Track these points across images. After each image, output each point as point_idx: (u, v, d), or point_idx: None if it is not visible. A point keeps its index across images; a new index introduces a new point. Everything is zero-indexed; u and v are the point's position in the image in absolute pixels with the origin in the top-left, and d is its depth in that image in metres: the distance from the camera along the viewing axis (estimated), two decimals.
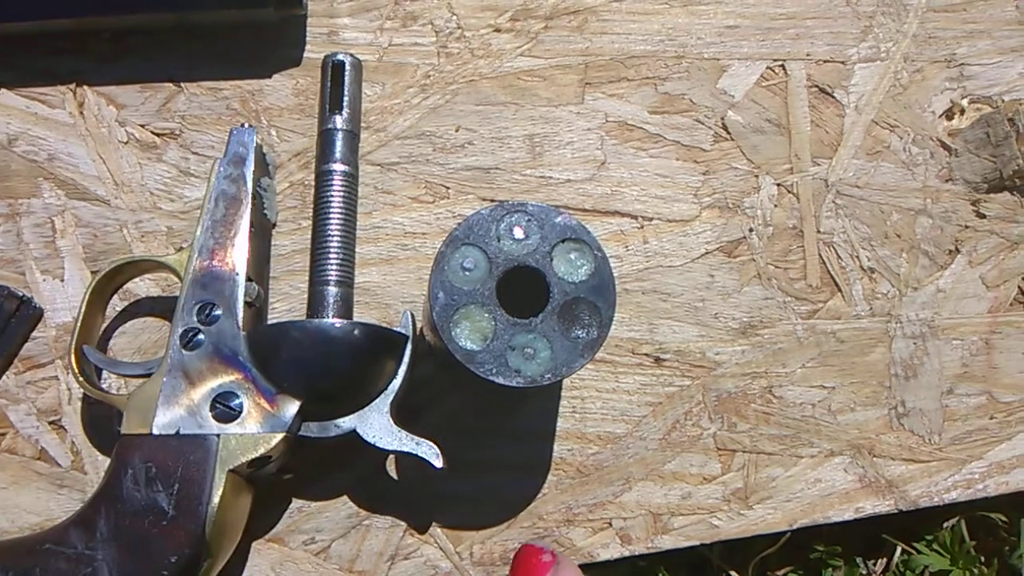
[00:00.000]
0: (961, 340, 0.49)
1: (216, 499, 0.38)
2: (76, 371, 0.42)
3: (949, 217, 0.51)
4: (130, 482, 0.38)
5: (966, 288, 0.50)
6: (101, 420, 0.45)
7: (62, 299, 0.46)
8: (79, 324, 0.42)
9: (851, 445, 0.47)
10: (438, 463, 0.41)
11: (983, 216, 0.51)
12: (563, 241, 0.39)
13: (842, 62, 0.53)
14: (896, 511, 0.47)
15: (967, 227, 0.51)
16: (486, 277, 0.38)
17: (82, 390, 0.43)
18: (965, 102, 0.53)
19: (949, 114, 0.52)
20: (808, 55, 0.52)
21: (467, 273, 0.38)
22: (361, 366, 0.41)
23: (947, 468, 0.48)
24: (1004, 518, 0.50)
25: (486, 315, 0.38)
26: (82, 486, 0.44)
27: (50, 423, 0.45)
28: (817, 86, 0.52)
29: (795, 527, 0.46)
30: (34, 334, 0.46)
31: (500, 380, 0.37)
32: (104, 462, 0.45)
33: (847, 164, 0.51)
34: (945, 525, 0.50)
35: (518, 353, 0.38)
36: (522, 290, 0.39)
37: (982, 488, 0.48)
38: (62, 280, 0.47)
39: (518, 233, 0.39)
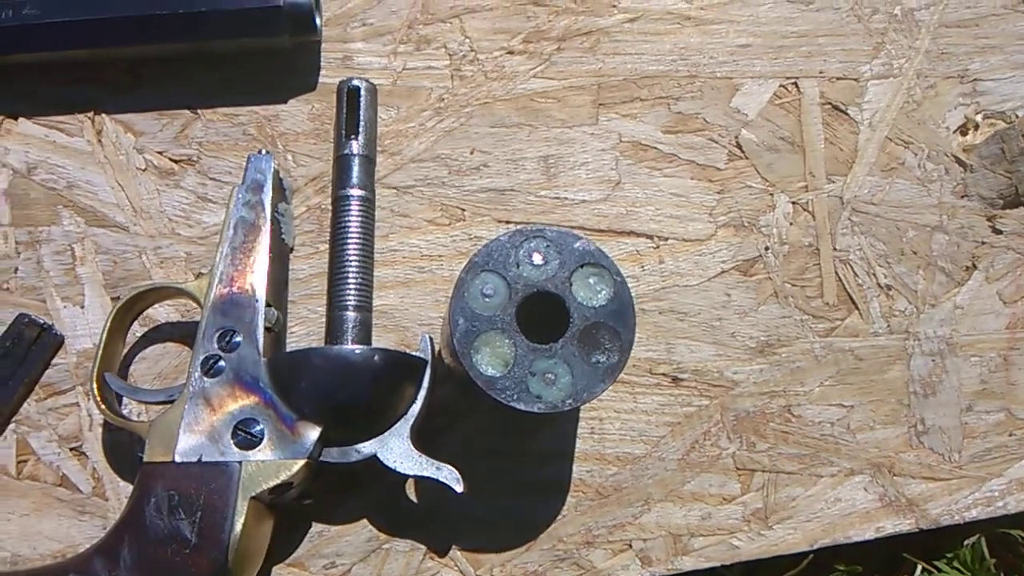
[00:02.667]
0: (979, 357, 0.49)
1: (238, 527, 0.39)
2: (98, 399, 0.42)
3: (965, 233, 0.51)
4: (153, 510, 0.38)
5: (984, 304, 0.50)
6: (122, 446, 0.45)
7: (82, 326, 0.47)
8: (100, 351, 0.43)
9: (871, 464, 0.47)
10: (459, 488, 0.41)
11: (999, 232, 0.51)
12: (582, 266, 0.39)
13: (855, 79, 0.53)
14: (917, 530, 0.47)
15: (983, 243, 0.51)
16: (506, 303, 0.38)
17: (103, 417, 0.43)
18: (979, 117, 0.53)
19: (963, 130, 0.52)
20: (821, 73, 0.53)
21: (487, 299, 0.38)
22: (381, 392, 0.41)
23: (967, 486, 0.48)
24: None
25: (506, 341, 0.38)
26: (104, 512, 0.45)
27: (71, 449, 0.45)
28: (830, 103, 0.52)
29: (816, 547, 0.46)
30: (55, 361, 0.46)
31: (521, 406, 0.37)
32: (126, 488, 0.45)
33: (862, 181, 0.51)
34: (966, 543, 0.50)
35: (539, 379, 0.38)
36: (542, 316, 0.39)
37: (1002, 505, 0.48)
38: (82, 307, 0.47)
39: (537, 259, 0.39)
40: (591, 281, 0.39)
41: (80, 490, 0.45)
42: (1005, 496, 0.47)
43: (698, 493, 0.46)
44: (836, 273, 0.50)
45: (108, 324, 0.43)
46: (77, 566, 0.39)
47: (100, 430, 0.45)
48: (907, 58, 0.53)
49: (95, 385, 0.42)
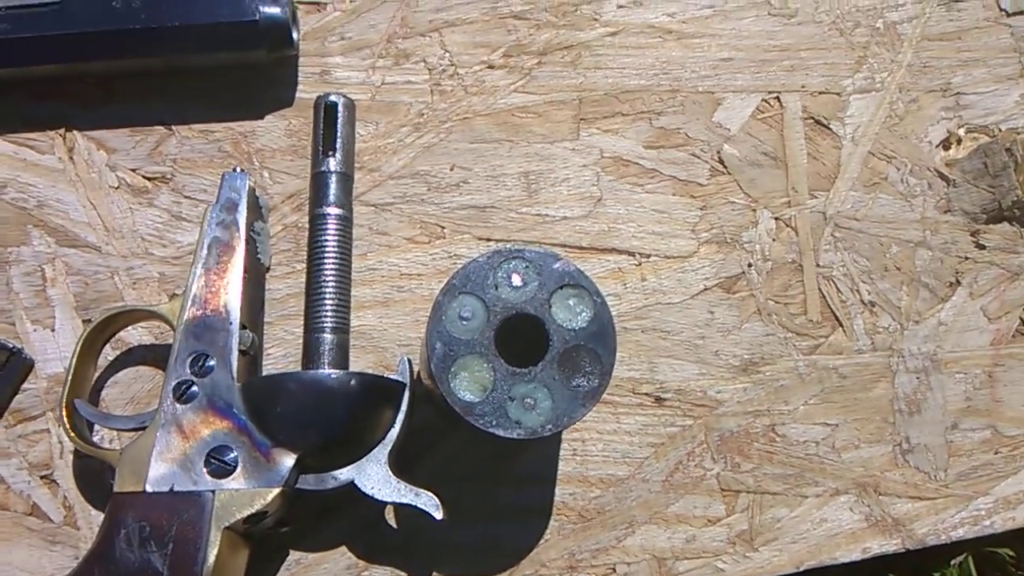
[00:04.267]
0: (964, 374, 0.49)
1: (211, 559, 0.38)
2: (67, 426, 0.41)
3: (949, 248, 0.50)
4: (123, 542, 0.37)
5: (968, 321, 0.50)
6: (94, 474, 0.44)
7: (53, 349, 0.46)
8: (70, 377, 0.42)
9: (856, 483, 0.47)
10: (438, 515, 0.40)
11: (983, 247, 0.51)
12: (562, 287, 0.38)
13: (837, 93, 0.52)
14: (903, 550, 0.46)
15: (967, 258, 0.50)
16: (484, 326, 0.38)
17: (74, 445, 0.42)
18: (962, 132, 0.52)
19: (946, 144, 0.52)
20: (803, 87, 0.52)
21: (465, 323, 0.38)
22: (358, 417, 0.40)
23: (953, 505, 0.47)
24: (1012, 553, 0.50)
25: (485, 365, 0.37)
26: (75, 542, 0.43)
27: (42, 477, 0.44)
28: (813, 118, 0.52)
29: (802, 569, 0.45)
30: (25, 386, 0.45)
31: (500, 432, 0.37)
32: (97, 516, 0.44)
33: (845, 196, 0.51)
34: (952, 562, 0.49)
35: (518, 404, 0.37)
36: (521, 338, 0.38)
37: (989, 524, 0.47)
38: (53, 330, 0.46)
39: (516, 280, 0.38)
40: (571, 303, 0.38)
41: (51, 519, 0.44)
42: (992, 515, 0.47)
43: (682, 515, 0.46)
44: (820, 290, 0.49)
45: (79, 348, 0.42)
46: None
47: (71, 457, 0.44)
48: (889, 72, 0.53)
49: (64, 412, 0.41)
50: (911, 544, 0.46)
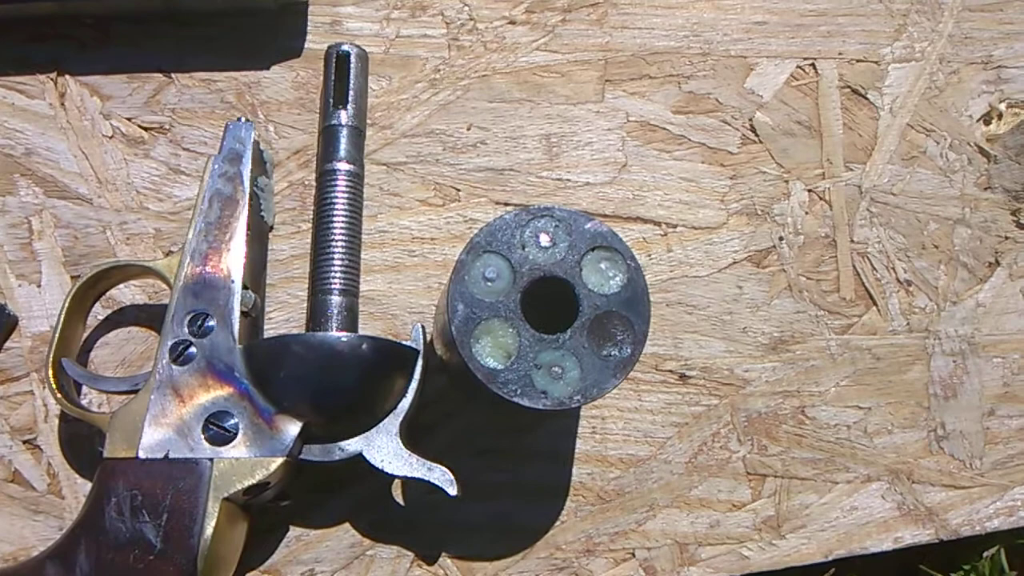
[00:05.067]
0: (1002, 358, 0.47)
1: (209, 530, 0.35)
2: (53, 386, 0.38)
3: (988, 227, 0.48)
4: (114, 512, 0.35)
5: (1007, 303, 0.47)
6: (81, 439, 0.41)
7: (39, 306, 0.43)
8: (57, 334, 0.39)
9: (889, 470, 0.44)
10: (452, 491, 0.38)
11: (1023, 227, 0.48)
12: (593, 249, 0.36)
13: (875, 62, 0.50)
14: (937, 541, 0.44)
15: (1007, 238, 0.48)
16: (510, 288, 0.35)
17: (60, 407, 0.39)
18: (1003, 106, 0.50)
19: (987, 118, 0.50)
20: (840, 54, 0.50)
21: (489, 284, 0.35)
22: (368, 384, 0.38)
23: (988, 495, 0.45)
24: None
25: (510, 330, 0.35)
26: (59, 512, 0.41)
27: (24, 442, 0.41)
28: (850, 87, 0.49)
29: (831, 558, 0.43)
30: (7, 344, 0.42)
31: (525, 402, 0.34)
32: (84, 486, 0.41)
33: (882, 170, 0.48)
34: (984, 554, 0.47)
35: (544, 372, 0.34)
36: (549, 303, 0.36)
37: None
38: (39, 286, 0.43)
39: (544, 240, 0.35)
40: (603, 266, 0.36)
41: (34, 487, 0.41)
42: None
43: (706, 499, 0.43)
44: (853, 266, 0.47)
45: (67, 305, 0.39)
46: (27, 573, 0.35)
47: (56, 421, 0.41)
48: (930, 41, 0.50)
49: (51, 372, 0.38)
50: (945, 535, 0.44)
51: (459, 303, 0.35)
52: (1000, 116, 0.50)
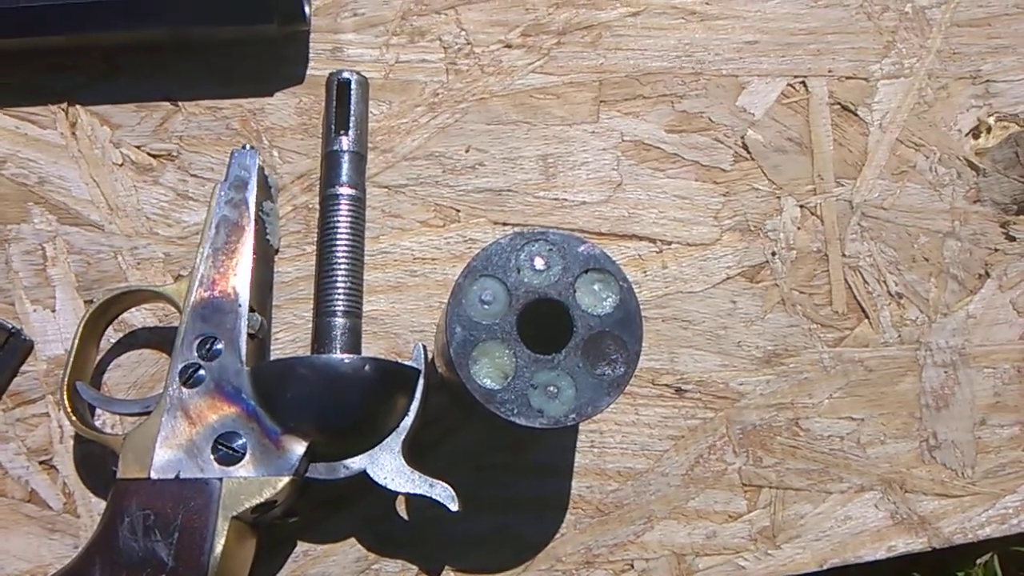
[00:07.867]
0: (993, 368, 0.47)
1: (218, 548, 0.36)
2: (68, 410, 0.39)
3: (978, 240, 0.49)
4: (127, 531, 0.36)
5: (997, 314, 0.48)
6: (95, 459, 0.42)
7: (53, 331, 0.44)
8: (71, 359, 0.40)
9: (882, 480, 0.45)
10: (453, 506, 0.39)
11: (1013, 239, 0.49)
12: (587, 271, 0.37)
13: (865, 79, 0.51)
14: (930, 548, 0.45)
15: (996, 250, 0.49)
16: (506, 311, 0.36)
17: (75, 429, 0.40)
18: (992, 120, 0.51)
19: (975, 132, 0.51)
20: (830, 71, 0.51)
21: (486, 307, 0.36)
22: (371, 404, 0.39)
23: (981, 503, 0.46)
24: None
25: (506, 351, 0.36)
26: (75, 530, 0.42)
27: (40, 463, 0.43)
28: (840, 103, 0.50)
29: (826, 567, 0.44)
30: (24, 368, 0.44)
31: (522, 421, 0.35)
32: (98, 504, 0.42)
33: (872, 184, 0.49)
34: (978, 561, 0.48)
35: (540, 392, 0.36)
36: (544, 324, 0.37)
37: (1017, 523, 0.46)
38: (53, 311, 0.44)
39: (539, 263, 0.37)
40: (596, 288, 0.37)
41: (50, 507, 0.42)
42: (1020, 513, 0.46)
43: (703, 510, 0.44)
44: (845, 280, 0.48)
45: (80, 329, 0.41)
46: None
47: (71, 442, 0.43)
48: (918, 57, 0.51)
49: (65, 395, 0.40)
50: (937, 543, 0.45)
51: (457, 326, 0.36)
52: (989, 130, 0.51)
